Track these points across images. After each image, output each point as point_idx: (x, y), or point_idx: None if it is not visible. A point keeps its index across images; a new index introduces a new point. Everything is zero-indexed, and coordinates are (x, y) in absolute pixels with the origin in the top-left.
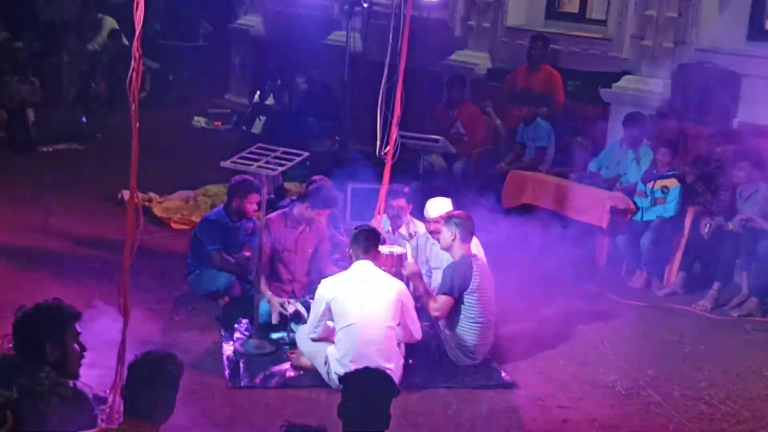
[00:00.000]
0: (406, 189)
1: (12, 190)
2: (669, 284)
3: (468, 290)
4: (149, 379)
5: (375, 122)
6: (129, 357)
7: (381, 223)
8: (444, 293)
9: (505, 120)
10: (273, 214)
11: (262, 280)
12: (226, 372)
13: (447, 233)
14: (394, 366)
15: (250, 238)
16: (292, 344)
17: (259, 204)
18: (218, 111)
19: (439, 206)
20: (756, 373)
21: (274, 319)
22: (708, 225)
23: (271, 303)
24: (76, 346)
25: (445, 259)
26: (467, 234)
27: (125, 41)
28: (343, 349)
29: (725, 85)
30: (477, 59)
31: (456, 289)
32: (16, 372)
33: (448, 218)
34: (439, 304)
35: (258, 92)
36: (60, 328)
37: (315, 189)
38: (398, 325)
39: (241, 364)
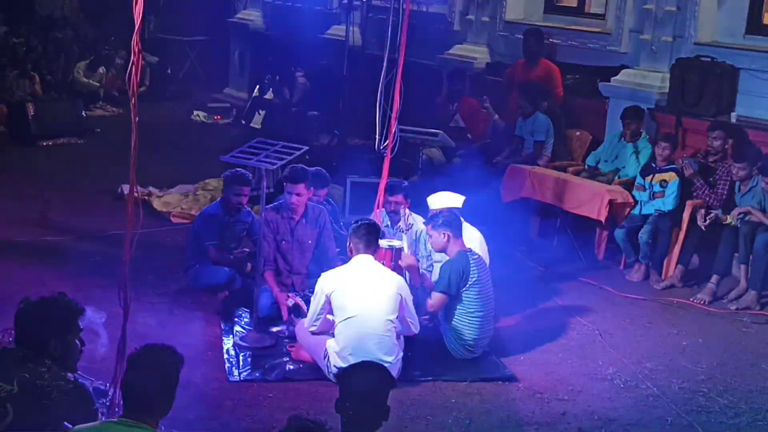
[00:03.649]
0: (405, 183)
1: (12, 184)
2: (667, 278)
3: (466, 285)
4: (149, 373)
5: (374, 116)
6: (129, 350)
7: (380, 217)
8: (440, 291)
9: (503, 114)
10: (270, 206)
11: (270, 276)
12: (226, 365)
13: (439, 236)
14: (393, 359)
15: (248, 231)
16: (292, 337)
17: (250, 197)
18: (218, 105)
19: (442, 200)
20: (754, 366)
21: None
22: (707, 215)
23: (278, 299)
24: (77, 341)
25: None
26: (457, 230)
27: None
28: (343, 343)
29: (724, 79)
30: (476, 53)
31: (452, 286)
32: (17, 366)
33: (433, 220)
34: (433, 301)
35: (257, 86)
36: (65, 325)
37: (287, 170)
38: (397, 318)
39: (241, 358)
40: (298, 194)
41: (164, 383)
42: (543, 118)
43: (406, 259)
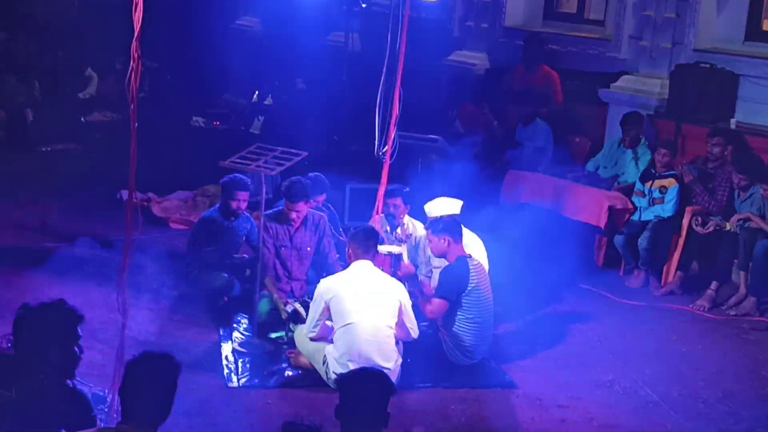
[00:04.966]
0: (406, 189)
1: (10, 189)
2: (667, 284)
3: (465, 291)
4: (147, 379)
5: (373, 122)
6: (127, 356)
7: (379, 222)
8: (440, 297)
9: (503, 120)
10: (268, 213)
11: (270, 282)
12: (225, 371)
13: (439, 241)
14: (392, 365)
15: (247, 237)
16: (291, 344)
17: (250, 203)
18: (217, 111)
19: (440, 206)
20: (754, 373)
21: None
22: (704, 222)
23: (276, 304)
24: (76, 348)
25: None
26: (457, 235)
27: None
28: (342, 349)
29: (723, 86)
30: (475, 59)
31: (452, 292)
32: (15, 372)
33: (433, 226)
34: (433, 307)
35: (256, 92)
36: (64, 331)
37: (286, 186)
38: (396, 324)
39: (240, 364)
40: (297, 211)
41: (162, 391)
42: (543, 124)
43: (404, 269)
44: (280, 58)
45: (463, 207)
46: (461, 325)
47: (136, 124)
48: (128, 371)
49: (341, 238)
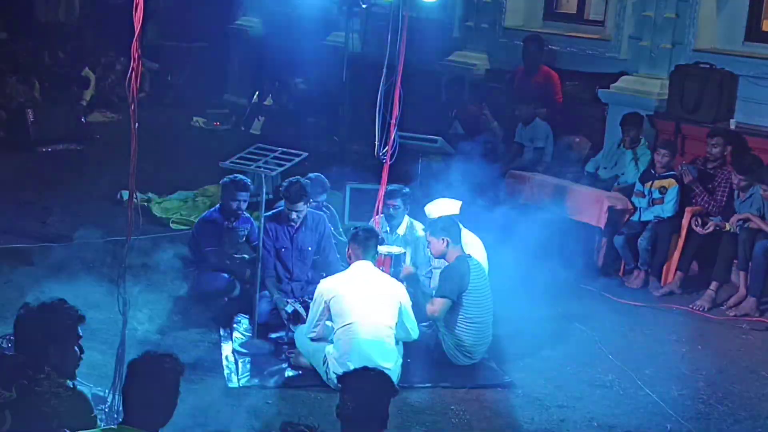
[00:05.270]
0: (406, 189)
1: (11, 190)
2: (666, 284)
3: (465, 291)
4: (148, 379)
5: (374, 123)
6: (128, 357)
7: (379, 223)
8: (441, 296)
9: (503, 120)
10: (269, 213)
11: (270, 282)
12: (225, 371)
13: (437, 242)
14: (392, 365)
15: (247, 238)
16: (291, 344)
17: (250, 203)
18: (217, 111)
19: (440, 207)
20: (753, 373)
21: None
22: (704, 222)
23: (277, 304)
24: (76, 348)
25: None
26: (456, 236)
27: None
28: (342, 349)
29: (723, 86)
30: (475, 60)
31: (453, 290)
32: (16, 372)
33: (431, 227)
34: (436, 306)
35: (257, 92)
36: (64, 332)
37: (285, 186)
38: (396, 324)
39: (240, 364)
40: (297, 211)
41: (165, 392)
42: (542, 124)
43: (406, 270)
44: (280, 58)
45: (462, 207)
46: (461, 326)
47: (137, 124)
48: (131, 371)
49: (341, 238)
